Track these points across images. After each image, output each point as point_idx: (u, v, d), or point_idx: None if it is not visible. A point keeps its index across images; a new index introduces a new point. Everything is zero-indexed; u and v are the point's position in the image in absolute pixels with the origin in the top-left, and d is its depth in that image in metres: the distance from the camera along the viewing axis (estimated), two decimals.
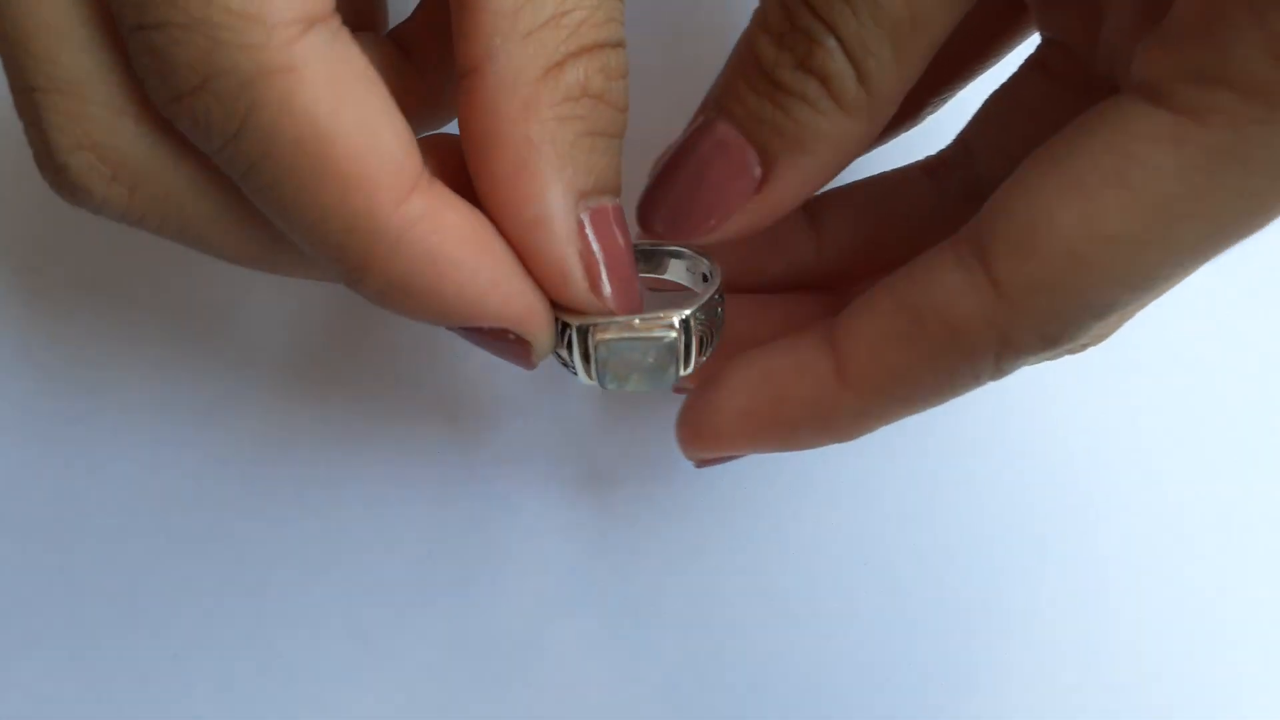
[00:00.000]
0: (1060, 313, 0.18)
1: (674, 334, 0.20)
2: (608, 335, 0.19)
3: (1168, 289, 0.18)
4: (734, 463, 0.28)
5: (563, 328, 0.20)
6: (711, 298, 0.21)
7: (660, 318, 0.20)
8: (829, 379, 0.20)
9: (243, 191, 0.18)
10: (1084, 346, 0.21)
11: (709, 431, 0.22)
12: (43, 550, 0.29)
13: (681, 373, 0.20)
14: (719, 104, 0.20)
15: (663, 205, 0.21)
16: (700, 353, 0.20)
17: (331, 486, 0.30)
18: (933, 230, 0.23)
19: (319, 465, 0.30)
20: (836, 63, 0.18)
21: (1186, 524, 0.30)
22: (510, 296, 0.19)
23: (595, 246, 0.19)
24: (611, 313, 0.19)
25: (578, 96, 0.18)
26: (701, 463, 0.24)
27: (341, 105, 0.16)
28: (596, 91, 0.18)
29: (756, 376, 0.21)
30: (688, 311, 0.20)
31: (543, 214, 0.18)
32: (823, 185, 0.20)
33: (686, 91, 0.31)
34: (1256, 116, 0.16)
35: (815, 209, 0.26)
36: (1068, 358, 0.21)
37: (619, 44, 0.18)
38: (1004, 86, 0.24)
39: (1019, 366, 0.19)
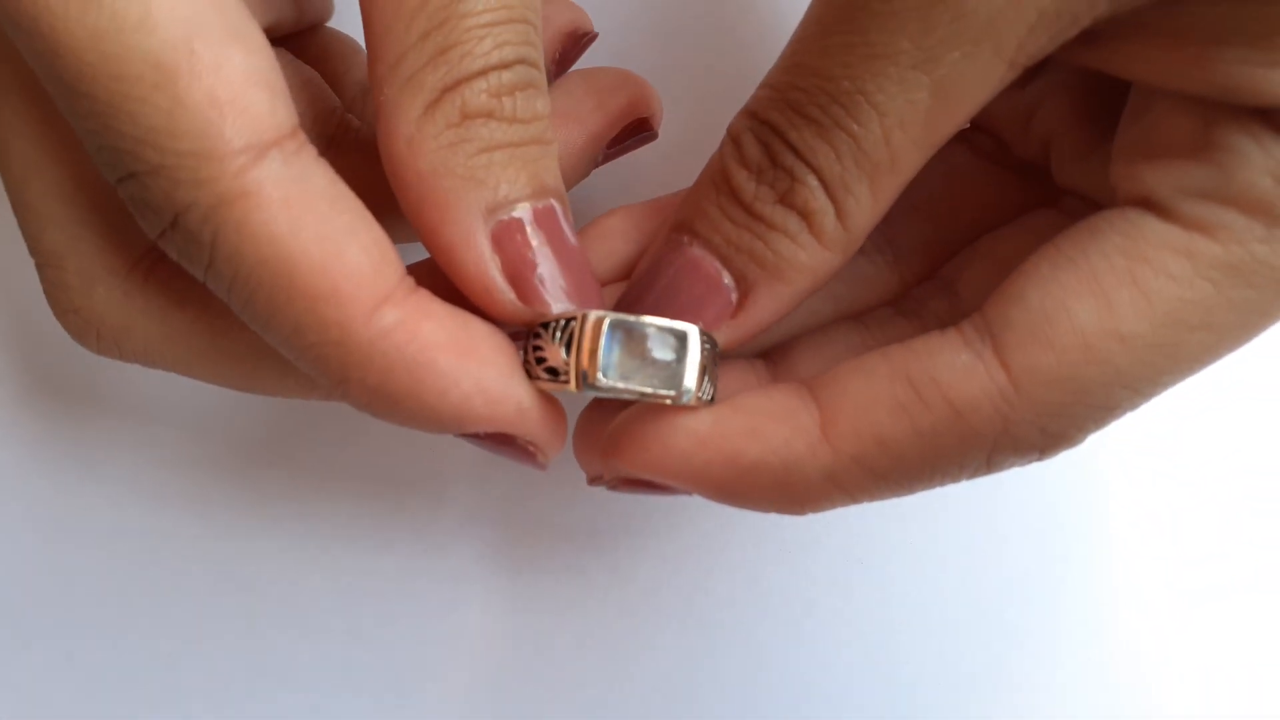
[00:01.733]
0: (1066, 409, 0.18)
1: (689, 332, 0.19)
2: (620, 316, 0.19)
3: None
4: None
5: (566, 322, 0.19)
6: (713, 336, 0.20)
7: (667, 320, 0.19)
8: (811, 429, 0.19)
9: (218, 329, 0.21)
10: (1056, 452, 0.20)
11: (657, 446, 0.20)
12: (38, 551, 0.29)
13: (688, 386, 0.19)
14: (692, 228, 0.20)
15: None
16: (699, 387, 0.19)
17: (325, 485, 0.30)
18: (852, 289, 0.24)
19: (313, 463, 0.30)
20: (818, 200, 0.19)
21: (1187, 524, 0.29)
22: (499, 401, 0.19)
23: (524, 254, 0.19)
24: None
25: (458, 122, 0.18)
26: (616, 483, 0.22)
27: (300, 225, 0.17)
28: (481, 111, 0.19)
29: (728, 407, 0.20)
30: (698, 327, 0.19)
31: (451, 238, 0.19)
32: (791, 310, 0.20)
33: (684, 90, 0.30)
34: (1258, 235, 0.18)
35: None
36: None
37: (513, 63, 0.19)
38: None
39: (1006, 467, 0.19)
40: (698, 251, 0.20)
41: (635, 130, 0.25)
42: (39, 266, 0.21)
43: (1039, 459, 0.19)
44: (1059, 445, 0.19)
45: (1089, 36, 0.18)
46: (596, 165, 0.26)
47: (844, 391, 0.19)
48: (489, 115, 0.19)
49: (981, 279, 0.22)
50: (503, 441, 0.20)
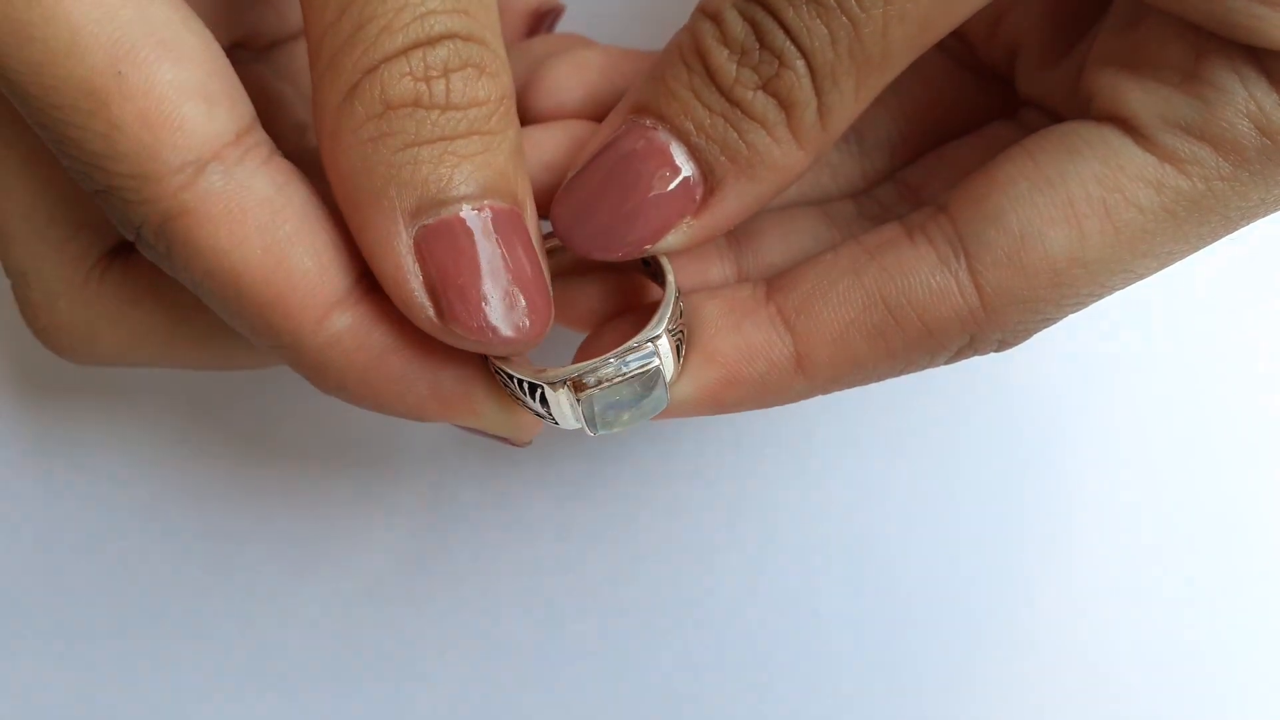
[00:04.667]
0: (1024, 324, 0.19)
1: (656, 361, 0.18)
2: (590, 390, 0.18)
3: None
4: (728, 462, 0.29)
5: (531, 388, 0.18)
6: (675, 299, 0.19)
7: (633, 348, 0.18)
8: (787, 366, 0.19)
9: (176, 317, 0.21)
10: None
11: None
12: (30, 550, 0.29)
13: (668, 390, 0.19)
14: (659, 111, 0.18)
15: (589, 221, 0.19)
16: (677, 359, 0.19)
17: (321, 484, 0.29)
18: (815, 171, 0.24)
19: (309, 461, 0.29)
20: (803, 90, 0.18)
21: (1184, 524, 0.29)
22: (454, 404, 0.19)
23: (447, 267, 0.17)
24: (517, 340, 0.18)
25: (380, 113, 0.17)
26: None
27: (242, 237, 0.17)
28: (405, 99, 0.17)
29: (702, 360, 0.19)
30: (660, 329, 0.18)
31: (370, 246, 0.17)
32: (754, 213, 0.19)
33: None
34: (1224, 174, 0.18)
35: None
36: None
37: (440, 38, 0.17)
38: None
39: (958, 361, 0.20)
40: (663, 137, 0.18)
41: None
42: (13, 287, 0.21)
43: (994, 352, 0.20)
44: (1008, 348, 0.20)
45: None
46: None
47: (819, 321, 0.19)
48: (415, 103, 0.17)
49: (937, 186, 0.22)
50: (470, 429, 0.20)
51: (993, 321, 0.19)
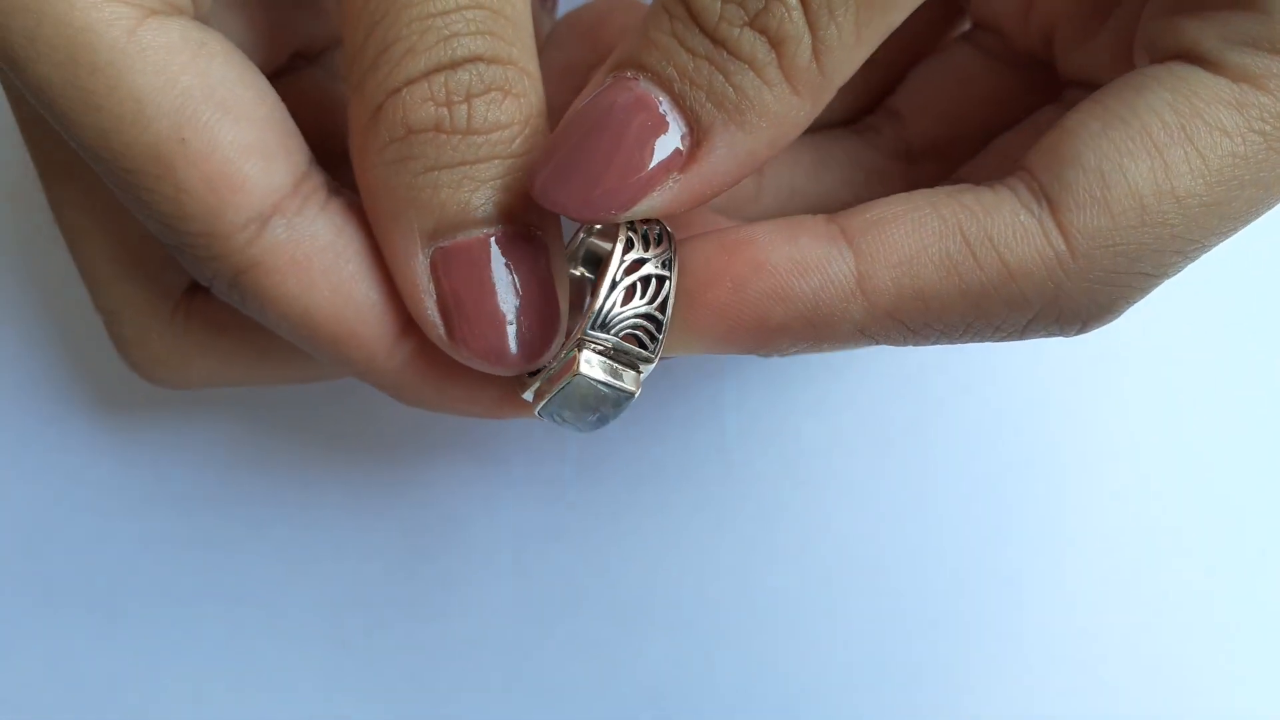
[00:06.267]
0: (1118, 277, 0.18)
1: (582, 366, 0.17)
2: (544, 406, 0.18)
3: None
4: (716, 463, 0.29)
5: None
6: (614, 279, 0.18)
7: (568, 355, 0.18)
8: (845, 284, 0.18)
9: (261, 344, 0.23)
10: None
11: (679, 317, 0.18)
12: (20, 556, 0.29)
13: (641, 375, 0.18)
14: (640, 62, 0.17)
15: (567, 181, 0.17)
16: (655, 340, 0.18)
17: (311, 489, 0.29)
18: (872, 186, 0.23)
19: (299, 467, 0.29)
20: (794, 24, 0.16)
21: (1181, 523, 0.29)
22: (522, 401, 0.20)
23: (458, 290, 0.17)
24: (520, 365, 0.18)
25: (402, 136, 0.17)
26: None
27: (310, 282, 0.18)
28: (426, 124, 0.17)
29: (748, 268, 0.18)
30: (586, 325, 0.17)
31: (391, 263, 0.18)
32: (750, 172, 0.17)
33: None
34: None
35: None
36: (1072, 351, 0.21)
37: (464, 61, 0.17)
38: (935, 58, 0.25)
39: (1038, 336, 0.19)
40: (644, 87, 0.17)
41: None
42: (105, 324, 0.23)
43: (1078, 332, 0.19)
44: (1101, 318, 0.18)
45: None
46: None
47: (887, 242, 0.18)
48: (436, 129, 0.17)
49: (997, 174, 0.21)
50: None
51: (1081, 269, 0.17)
